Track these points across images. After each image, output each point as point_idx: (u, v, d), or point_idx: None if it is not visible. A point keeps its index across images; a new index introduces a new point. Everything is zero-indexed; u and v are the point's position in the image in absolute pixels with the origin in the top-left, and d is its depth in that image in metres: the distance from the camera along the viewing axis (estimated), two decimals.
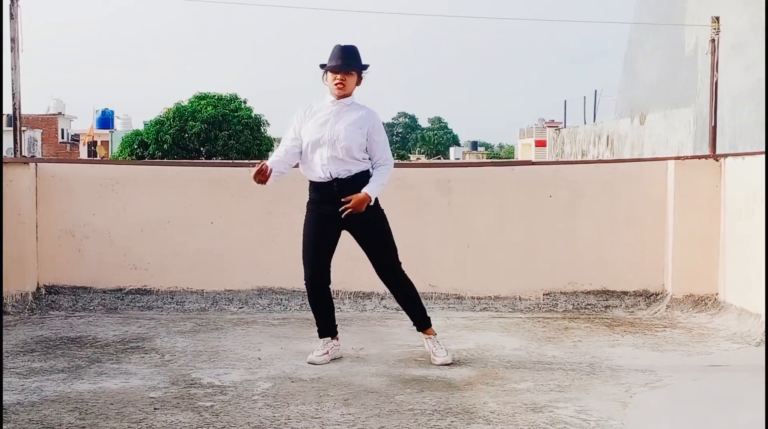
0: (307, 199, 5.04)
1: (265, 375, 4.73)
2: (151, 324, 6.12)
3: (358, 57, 4.94)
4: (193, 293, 6.81)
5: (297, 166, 5.04)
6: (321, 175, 4.90)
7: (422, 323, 5.14)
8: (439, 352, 5.04)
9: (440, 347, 5.07)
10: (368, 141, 4.93)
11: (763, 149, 7.25)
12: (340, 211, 4.86)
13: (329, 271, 5.03)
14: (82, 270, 6.77)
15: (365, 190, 4.87)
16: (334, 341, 5.12)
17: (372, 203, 4.90)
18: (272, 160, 4.94)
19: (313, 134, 4.92)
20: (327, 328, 5.11)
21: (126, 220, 6.82)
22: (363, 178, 4.91)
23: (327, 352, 5.04)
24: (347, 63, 4.90)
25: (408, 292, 5.08)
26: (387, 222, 5.03)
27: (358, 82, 4.99)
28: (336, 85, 4.90)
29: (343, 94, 4.93)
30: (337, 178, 4.87)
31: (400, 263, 5.05)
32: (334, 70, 4.90)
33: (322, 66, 4.97)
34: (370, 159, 4.96)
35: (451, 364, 4.96)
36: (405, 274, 5.06)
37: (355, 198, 4.84)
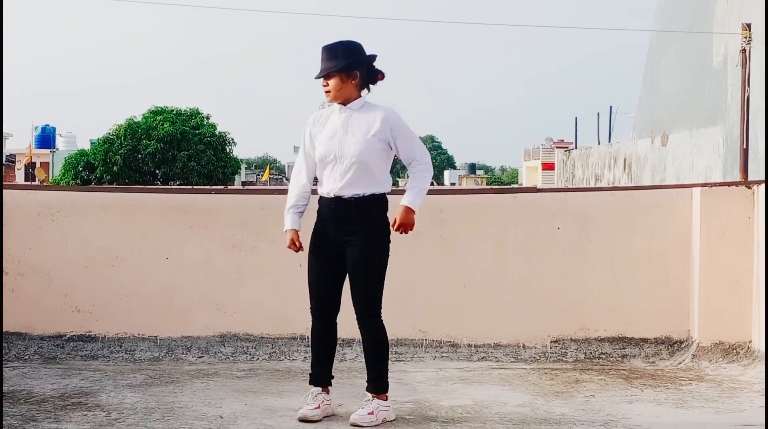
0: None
1: None
2: (95, 376, 6.08)
3: (339, 55, 4.97)
4: (145, 340, 6.78)
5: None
6: (328, 191, 5.00)
7: (381, 385, 5.08)
8: (367, 414, 4.95)
9: (385, 409, 5.01)
10: (391, 145, 5.01)
11: None
12: (395, 229, 4.97)
13: (338, 301, 5.11)
14: (16, 313, 6.72)
15: (405, 202, 4.97)
16: (325, 394, 5.10)
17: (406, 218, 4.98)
18: (295, 202, 5.11)
19: (322, 149, 5.01)
20: (322, 374, 5.13)
21: (67, 255, 6.79)
22: (373, 201, 4.98)
23: (319, 407, 5.02)
24: (325, 67, 4.99)
25: (380, 342, 5.08)
26: (387, 255, 5.08)
27: (357, 80, 5.00)
28: (325, 93, 5.03)
29: (340, 99, 5.01)
30: (340, 198, 4.95)
31: (381, 308, 5.08)
32: (317, 77, 5.02)
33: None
34: (405, 166, 5.04)
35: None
36: (383, 323, 5.08)
37: (399, 219, 4.95)
